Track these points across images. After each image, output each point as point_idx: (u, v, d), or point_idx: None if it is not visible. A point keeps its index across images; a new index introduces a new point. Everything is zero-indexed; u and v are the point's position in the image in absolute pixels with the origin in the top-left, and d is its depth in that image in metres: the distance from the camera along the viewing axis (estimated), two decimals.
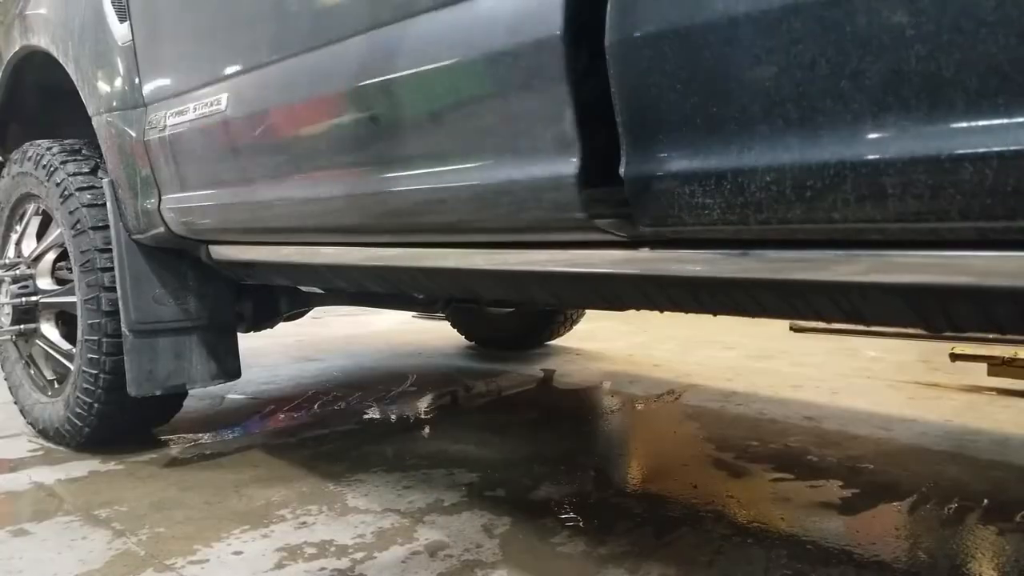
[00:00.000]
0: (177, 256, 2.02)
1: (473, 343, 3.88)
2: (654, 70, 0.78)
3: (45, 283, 2.31)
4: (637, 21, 0.79)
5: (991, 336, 2.68)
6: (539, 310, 3.49)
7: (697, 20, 0.74)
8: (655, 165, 0.81)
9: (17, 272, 2.34)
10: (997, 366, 2.62)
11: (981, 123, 0.58)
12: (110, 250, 2.00)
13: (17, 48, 2.24)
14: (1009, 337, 2.54)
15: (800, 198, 0.67)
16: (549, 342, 3.79)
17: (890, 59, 0.62)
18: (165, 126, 1.75)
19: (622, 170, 0.84)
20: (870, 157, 0.64)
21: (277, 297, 2.37)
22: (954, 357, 2.74)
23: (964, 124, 0.59)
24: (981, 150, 0.59)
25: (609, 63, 0.82)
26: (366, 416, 2.57)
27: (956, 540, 1.50)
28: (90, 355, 2.04)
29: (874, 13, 0.63)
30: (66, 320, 2.28)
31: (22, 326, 2.30)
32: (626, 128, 0.82)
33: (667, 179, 0.79)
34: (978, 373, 2.73)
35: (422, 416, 2.57)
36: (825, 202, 0.66)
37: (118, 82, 1.87)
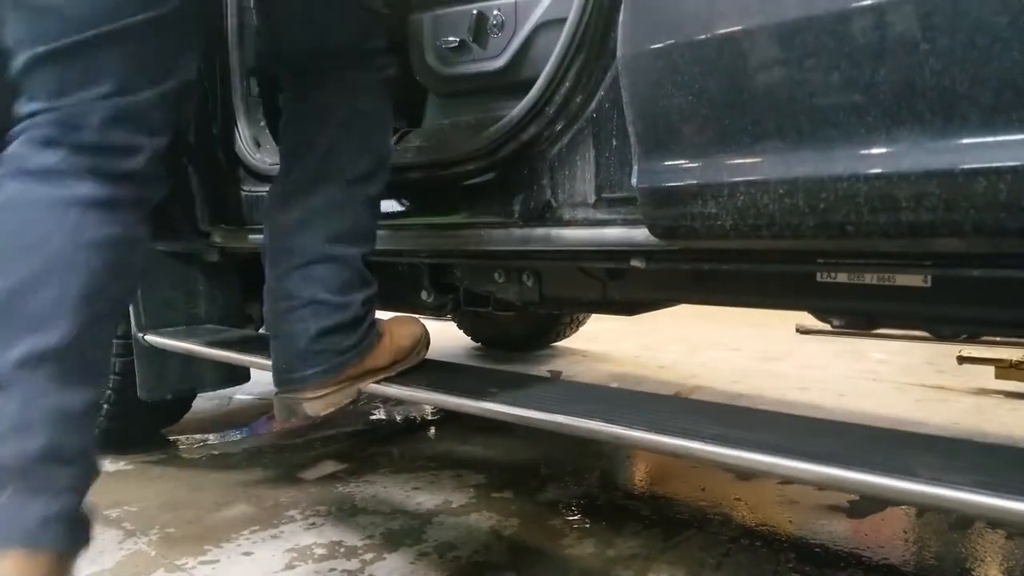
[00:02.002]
0: (187, 260, 2.03)
1: (479, 344, 3.89)
2: (665, 82, 0.79)
3: None
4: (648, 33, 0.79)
5: (998, 339, 2.68)
6: (544, 311, 3.49)
7: (707, 33, 0.75)
8: (667, 175, 0.81)
9: None
10: (1004, 369, 2.61)
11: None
12: None
13: None
14: (1016, 340, 2.52)
15: (813, 211, 0.68)
16: (555, 343, 3.79)
17: (903, 74, 0.62)
18: None
19: (634, 180, 0.84)
20: (882, 171, 0.64)
21: None
22: (961, 360, 2.73)
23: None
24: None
25: (621, 73, 0.83)
26: (373, 417, 2.58)
27: (964, 544, 1.50)
28: None
29: (886, 28, 0.63)
30: None
31: None
32: (638, 138, 0.83)
33: (678, 190, 0.80)
34: (985, 376, 2.72)
35: (428, 417, 2.58)
36: (838, 215, 0.67)
37: None
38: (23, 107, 0.92)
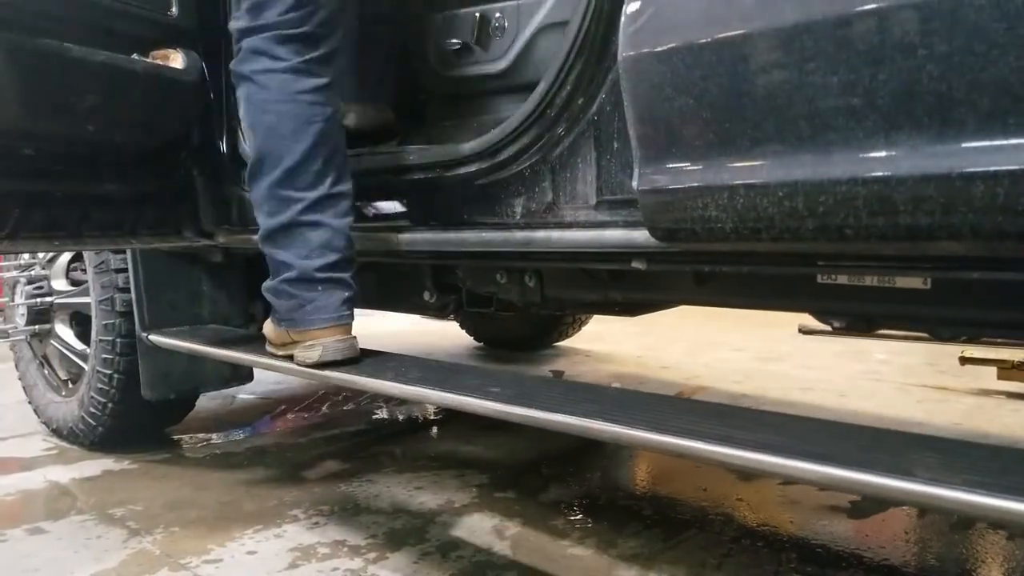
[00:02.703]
0: (190, 261, 2.04)
1: (482, 344, 3.89)
2: (665, 85, 0.79)
3: (60, 284, 2.34)
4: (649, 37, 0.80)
5: (1000, 339, 2.67)
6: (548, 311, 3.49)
7: (708, 37, 0.75)
8: (667, 178, 0.82)
9: (32, 273, 2.37)
10: (1007, 369, 2.61)
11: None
12: (124, 251, 2.02)
13: None
14: (1017, 341, 2.52)
15: (812, 214, 0.68)
16: (558, 343, 3.80)
17: (902, 79, 0.63)
18: None
19: (634, 183, 0.85)
20: (880, 174, 0.65)
21: None
22: (963, 360, 2.73)
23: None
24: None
25: (622, 77, 0.83)
26: (375, 416, 2.59)
27: (965, 544, 1.51)
28: (104, 355, 2.06)
29: (884, 33, 0.64)
30: (80, 320, 2.31)
31: (37, 327, 2.32)
32: (639, 142, 0.83)
33: (679, 193, 0.80)
34: (987, 376, 2.72)
35: (431, 417, 2.59)
36: (837, 218, 0.67)
37: None
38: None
